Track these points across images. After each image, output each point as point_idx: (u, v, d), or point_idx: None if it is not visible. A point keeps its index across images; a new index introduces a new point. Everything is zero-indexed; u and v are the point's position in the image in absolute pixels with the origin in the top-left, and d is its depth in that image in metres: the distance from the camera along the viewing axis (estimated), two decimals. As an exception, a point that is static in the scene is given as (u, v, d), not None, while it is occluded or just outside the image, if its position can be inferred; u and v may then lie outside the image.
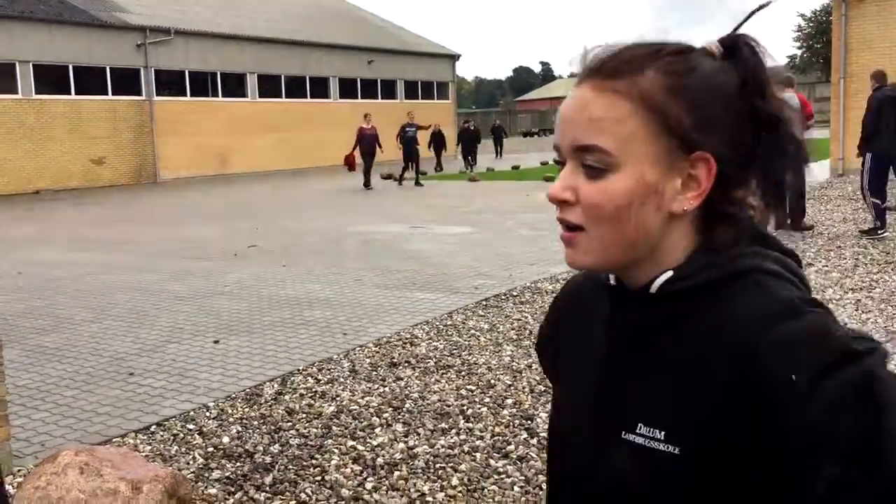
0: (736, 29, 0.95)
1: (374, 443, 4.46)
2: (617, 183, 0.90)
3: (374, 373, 5.73)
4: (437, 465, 4.14)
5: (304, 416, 4.95)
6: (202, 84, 31.08)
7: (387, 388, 5.37)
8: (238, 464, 4.26)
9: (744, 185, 0.95)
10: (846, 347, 0.82)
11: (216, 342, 6.72)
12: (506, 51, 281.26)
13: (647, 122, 0.89)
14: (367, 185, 22.23)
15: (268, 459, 4.30)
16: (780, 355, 0.83)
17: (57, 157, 25.89)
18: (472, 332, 6.74)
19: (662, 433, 0.89)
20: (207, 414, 5.03)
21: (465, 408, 4.94)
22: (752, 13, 0.98)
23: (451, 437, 4.49)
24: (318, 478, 4.06)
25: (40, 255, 11.81)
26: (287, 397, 5.30)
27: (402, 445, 4.41)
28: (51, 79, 26.07)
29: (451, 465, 4.14)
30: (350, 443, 4.47)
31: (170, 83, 29.97)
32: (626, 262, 0.94)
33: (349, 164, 23.55)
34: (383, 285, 8.83)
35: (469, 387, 5.32)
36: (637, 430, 0.91)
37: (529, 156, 34.09)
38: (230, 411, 5.08)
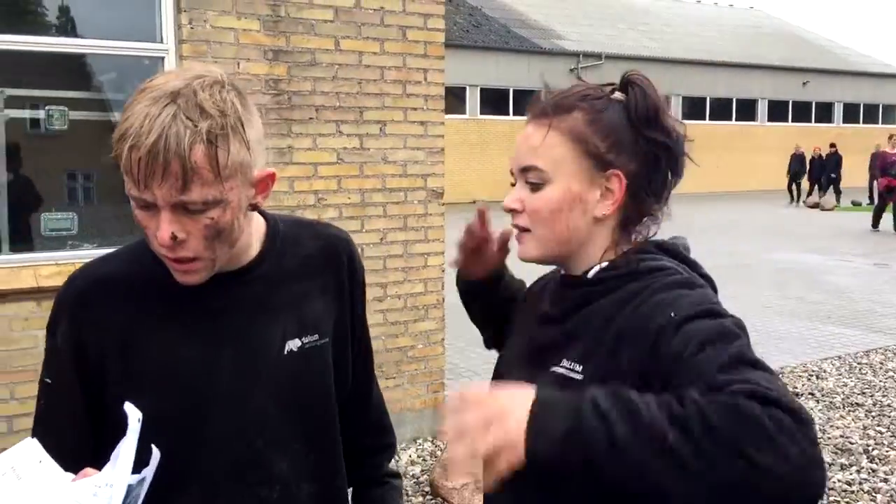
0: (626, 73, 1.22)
1: (766, 465, 4.47)
2: (550, 193, 1.20)
3: (774, 399, 5.64)
4: (832, 498, 4.03)
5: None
6: (627, 106, 32.02)
7: (785, 416, 5.28)
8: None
9: (653, 196, 1.22)
10: (713, 309, 1.08)
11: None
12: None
13: (572, 147, 1.19)
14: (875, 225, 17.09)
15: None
16: (668, 304, 1.09)
17: (493, 172, 28.72)
18: (891, 374, 6.25)
19: (579, 367, 1.15)
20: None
21: (870, 448, 4.68)
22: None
23: (851, 474, 4.31)
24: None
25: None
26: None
27: (794, 472, 4.35)
28: (493, 101, 28.98)
29: (847, 500, 4.00)
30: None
31: (597, 105, 31.38)
32: (562, 256, 1.25)
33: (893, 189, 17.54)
34: (792, 314, 8.49)
35: (878, 428, 5.01)
36: (561, 364, 1.18)
37: None
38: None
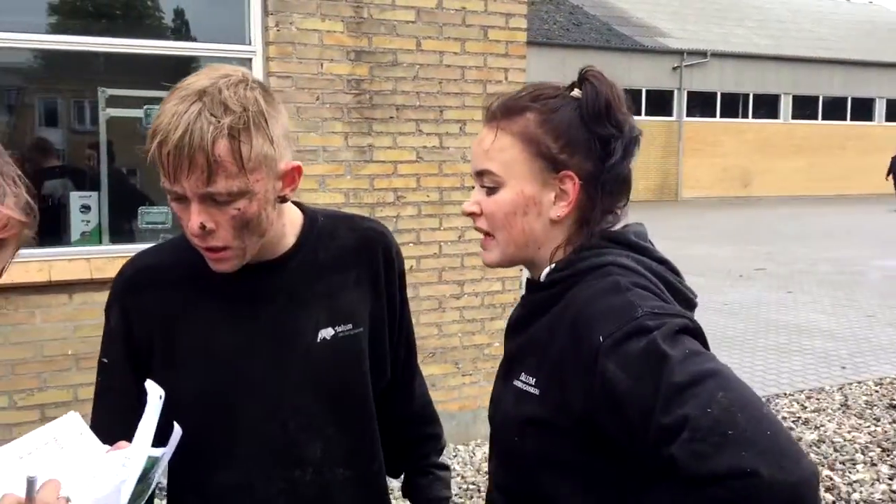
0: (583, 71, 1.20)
1: (853, 478, 4.29)
2: (504, 196, 1.19)
3: (869, 411, 5.41)
4: (921, 517, 3.85)
5: (781, 437, 4.95)
6: (732, 105, 31.09)
7: (879, 428, 5.05)
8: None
9: (610, 194, 1.19)
10: (641, 325, 1.04)
11: (707, 354, 6.96)
12: None
13: (523, 149, 1.18)
14: None
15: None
16: (595, 322, 1.08)
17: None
18: None
19: (533, 379, 1.17)
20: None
21: (969, 466, 4.43)
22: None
23: (945, 493, 4.10)
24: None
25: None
26: (768, 417, 5.33)
27: (883, 487, 4.17)
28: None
29: (938, 520, 3.82)
30: (826, 472, 4.37)
31: (700, 104, 30.62)
32: (524, 259, 1.24)
33: None
34: (899, 324, 8.10)
35: (981, 446, 4.74)
36: (520, 378, 1.19)
37: None
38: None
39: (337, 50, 4.23)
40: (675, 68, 29.63)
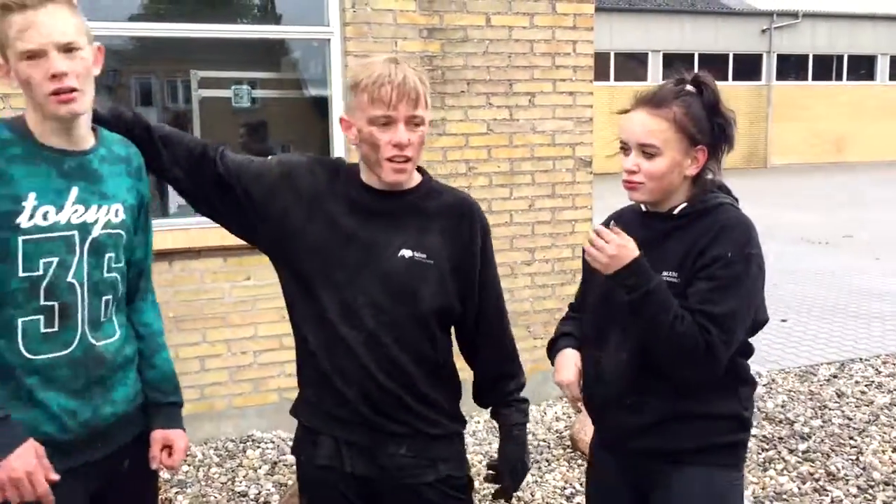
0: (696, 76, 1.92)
1: (923, 441, 4.32)
2: (662, 162, 1.87)
3: (947, 377, 5.37)
4: None
5: (853, 400, 4.98)
6: (825, 67, 29.95)
7: (955, 394, 5.02)
8: (777, 427, 4.58)
9: (715, 158, 1.92)
10: (748, 253, 1.83)
11: (784, 321, 6.96)
12: None
13: (676, 131, 1.86)
14: None
15: (806, 430, 4.52)
16: (728, 241, 1.84)
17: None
18: None
19: (675, 273, 1.87)
20: (760, 380, 5.39)
21: None
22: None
23: None
24: (853, 457, 4.16)
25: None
26: (841, 381, 5.35)
27: (953, 450, 4.19)
28: (677, 67, 27.97)
29: None
30: (895, 434, 4.41)
31: (791, 68, 29.61)
32: (660, 199, 1.93)
33: None
34: None
35: None
36: (662, 274, 1.85)
37: None
38: (780, 382, 5.37)
39: (410, 28, 4.43)
40: (763, 31, 28.70)
